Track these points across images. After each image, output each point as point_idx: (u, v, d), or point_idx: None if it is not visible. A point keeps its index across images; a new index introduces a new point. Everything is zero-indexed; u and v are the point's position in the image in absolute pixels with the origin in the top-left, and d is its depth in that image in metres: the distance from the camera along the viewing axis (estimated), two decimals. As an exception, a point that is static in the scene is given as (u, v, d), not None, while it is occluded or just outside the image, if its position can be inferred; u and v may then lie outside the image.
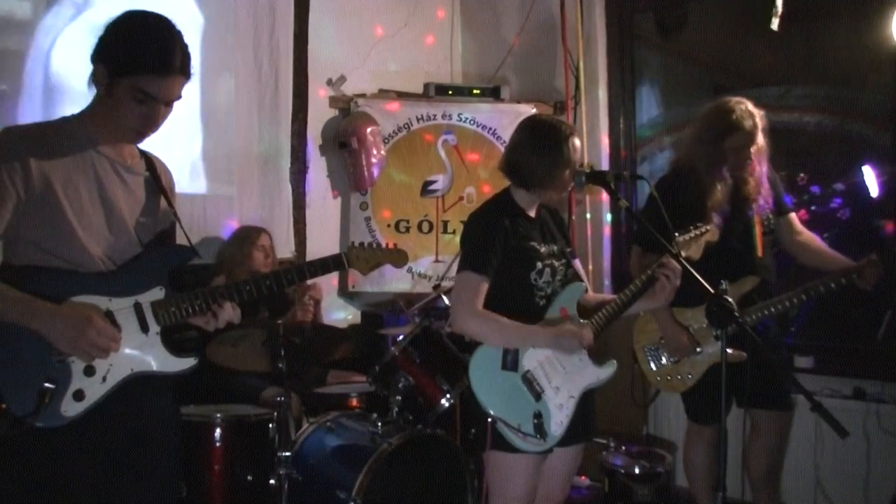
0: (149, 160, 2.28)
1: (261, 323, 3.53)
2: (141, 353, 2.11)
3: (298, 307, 3.98)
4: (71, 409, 2.01)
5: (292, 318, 3.91)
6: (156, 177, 2.26)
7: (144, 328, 2.11)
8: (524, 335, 2.59)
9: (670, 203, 2.73)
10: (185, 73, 2.11)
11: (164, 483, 2.26)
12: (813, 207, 4.16)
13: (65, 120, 2.17)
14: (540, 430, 2.53)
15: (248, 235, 4.05)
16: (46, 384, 1.96)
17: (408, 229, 4.84)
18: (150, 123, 2.11)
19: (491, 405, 2.54)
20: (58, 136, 2.09)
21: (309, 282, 4.12)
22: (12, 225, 2.01)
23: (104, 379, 2.05)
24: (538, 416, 2.54)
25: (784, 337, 3.66)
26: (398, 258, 2.58)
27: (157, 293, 2.14)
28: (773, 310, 3.17)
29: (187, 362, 2.18)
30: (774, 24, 3.88)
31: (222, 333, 3.12)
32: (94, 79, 2.09)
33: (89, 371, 2.03)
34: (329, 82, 4.81)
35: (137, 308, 2.11)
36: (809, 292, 3.14)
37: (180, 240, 2.33)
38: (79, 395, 2.01)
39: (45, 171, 2.03)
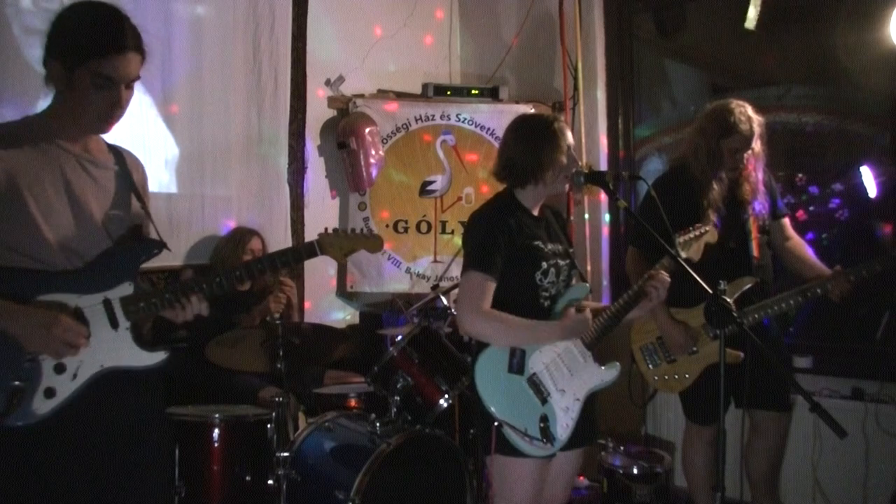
0: (118, 154, 2.26)
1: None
2: (111, 349, 2.11)
3: (272, 297, 3.97)
4: (42, 406, 2.01)
5: (265, 308, 3.90)
6: (126, 171, 2.24)
7: (114, 324, 2.12)
8: (532, 332, 2.56)
9: (667, 202, 2.73)
10: (139, 50, 2.10)
11: (157, 481, 2.27)
12: (812, 208, 4.15)
13: (28, 119, 2.17)
14: (546, 433, 2.50)
15: (241, 238, 4.04)
16: (16, 383, 1.98)
17: (406, 229, 4.83)
18: (115, 109, 2.10)
19: (496, 409, 2.50)
20: (21, 134, 2.08)
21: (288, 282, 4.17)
22: None
23: (75, 376, 2.06)
24: (544, 419, 2.52)
25: (783, 337, 3.66)
26: (372, 244, 2.53)
27: (126, 289, 2.14)
28: (769, 311, 3.19)
29: (157, 356, 2.18)
30: (751, 23, 3.94)
31: (220, 334, 3.15)
32: (51, 76, 2.08)
33: (59, 368, 2.04)
34: (328, 82, 4.79)
35: (107, 304, 2.11)
36: (806, 294, 3.18)
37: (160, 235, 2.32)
38: (49, 393, 2.02)
39: (9, 169, 2.02)
